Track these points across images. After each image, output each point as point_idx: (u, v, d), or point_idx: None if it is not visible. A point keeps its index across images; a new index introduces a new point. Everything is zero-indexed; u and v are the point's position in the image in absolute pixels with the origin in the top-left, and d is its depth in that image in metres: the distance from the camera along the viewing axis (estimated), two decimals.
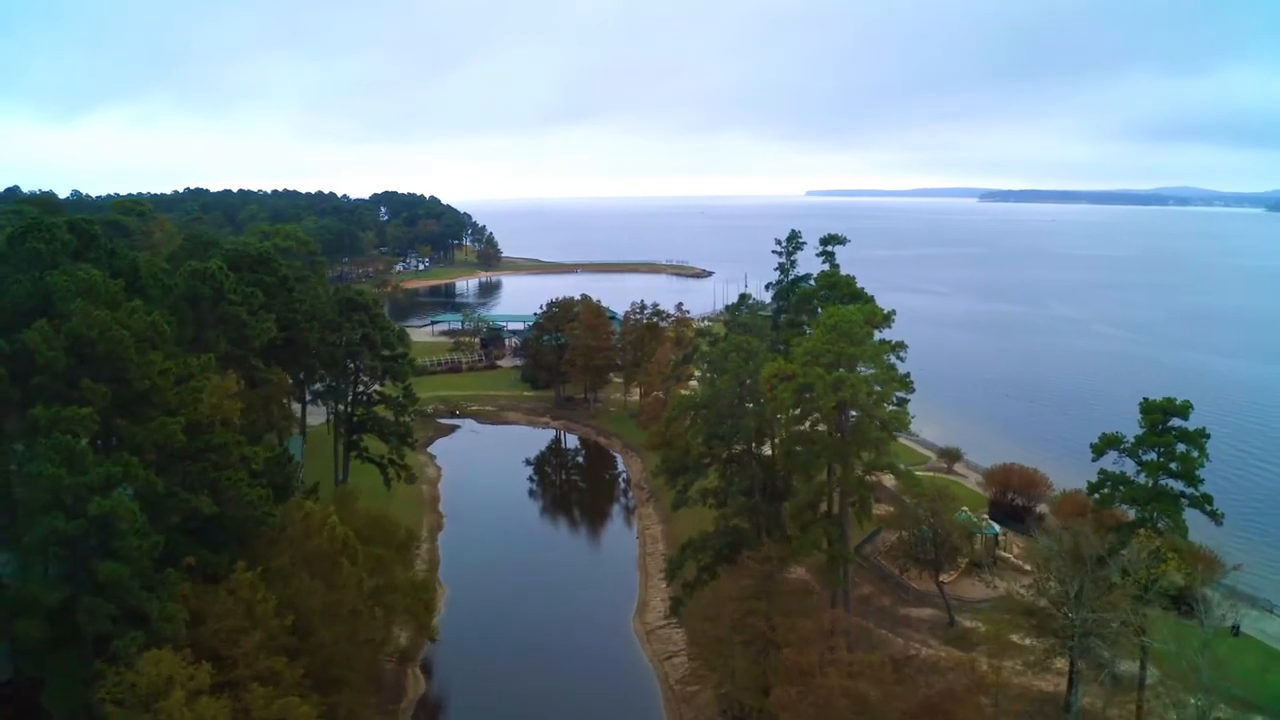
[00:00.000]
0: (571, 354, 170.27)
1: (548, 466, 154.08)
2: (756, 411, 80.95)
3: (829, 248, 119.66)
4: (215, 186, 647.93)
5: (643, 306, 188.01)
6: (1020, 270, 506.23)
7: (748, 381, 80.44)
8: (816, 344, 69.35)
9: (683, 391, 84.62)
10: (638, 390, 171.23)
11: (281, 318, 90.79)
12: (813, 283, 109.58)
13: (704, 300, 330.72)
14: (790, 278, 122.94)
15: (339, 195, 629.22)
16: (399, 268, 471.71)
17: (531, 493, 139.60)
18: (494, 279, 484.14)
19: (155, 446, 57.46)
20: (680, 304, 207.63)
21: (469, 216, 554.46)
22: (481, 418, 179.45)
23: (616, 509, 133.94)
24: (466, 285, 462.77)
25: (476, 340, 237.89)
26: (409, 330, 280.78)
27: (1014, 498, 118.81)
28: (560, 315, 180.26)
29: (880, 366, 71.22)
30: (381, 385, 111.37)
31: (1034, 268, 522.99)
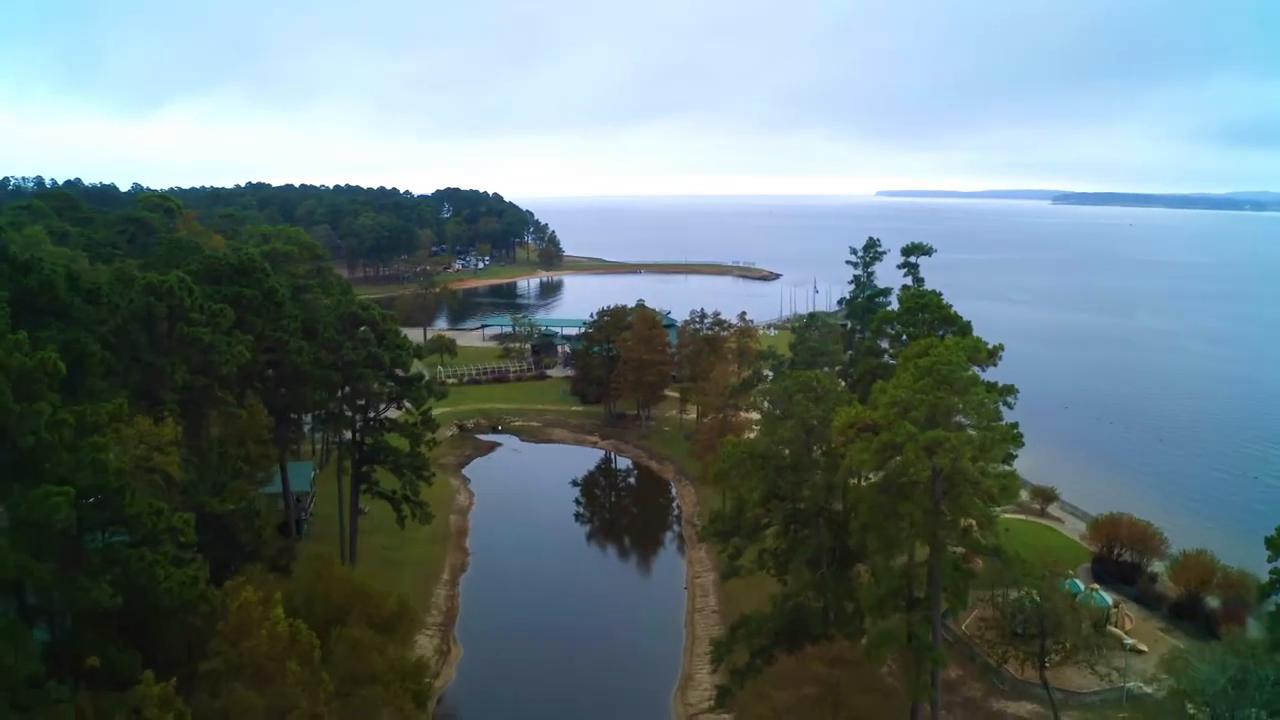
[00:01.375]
0: (622, 368, 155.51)
1: (592, 494, 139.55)
2: (827, 464, 65.64)
3: (912, 258, 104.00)
4: (284, 181, 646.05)
5: (702, 316, 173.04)
6: (1102, 277, 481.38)
7: (815, 425, 65.22)
8: (906, 392, 53.88)
9: (735, 439, 69.50)
10: (694, 409, 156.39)
11: (265, 337, 77.57)
12: (894, 300, 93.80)
13: (770, 305, 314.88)
14: (866, 292, 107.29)
15: (401, 191, 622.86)
16: (457, 266, 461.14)
17: (571, 526, 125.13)
18: (555, 279, 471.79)
19: (37, 523, 43.90)
20: (743, 313, 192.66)
21: (531, 214, 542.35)
22: (524, 435, 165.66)
23: (665, 550, 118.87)
24: (528, 285, 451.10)
25: (527, 347, 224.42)
26: (458, 334, 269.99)
27: (1121, 553, 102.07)
28: (611, 324, 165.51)
29: (986, 418, 55.42)
30: (400, 409, 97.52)
31: (1116, 275, 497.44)
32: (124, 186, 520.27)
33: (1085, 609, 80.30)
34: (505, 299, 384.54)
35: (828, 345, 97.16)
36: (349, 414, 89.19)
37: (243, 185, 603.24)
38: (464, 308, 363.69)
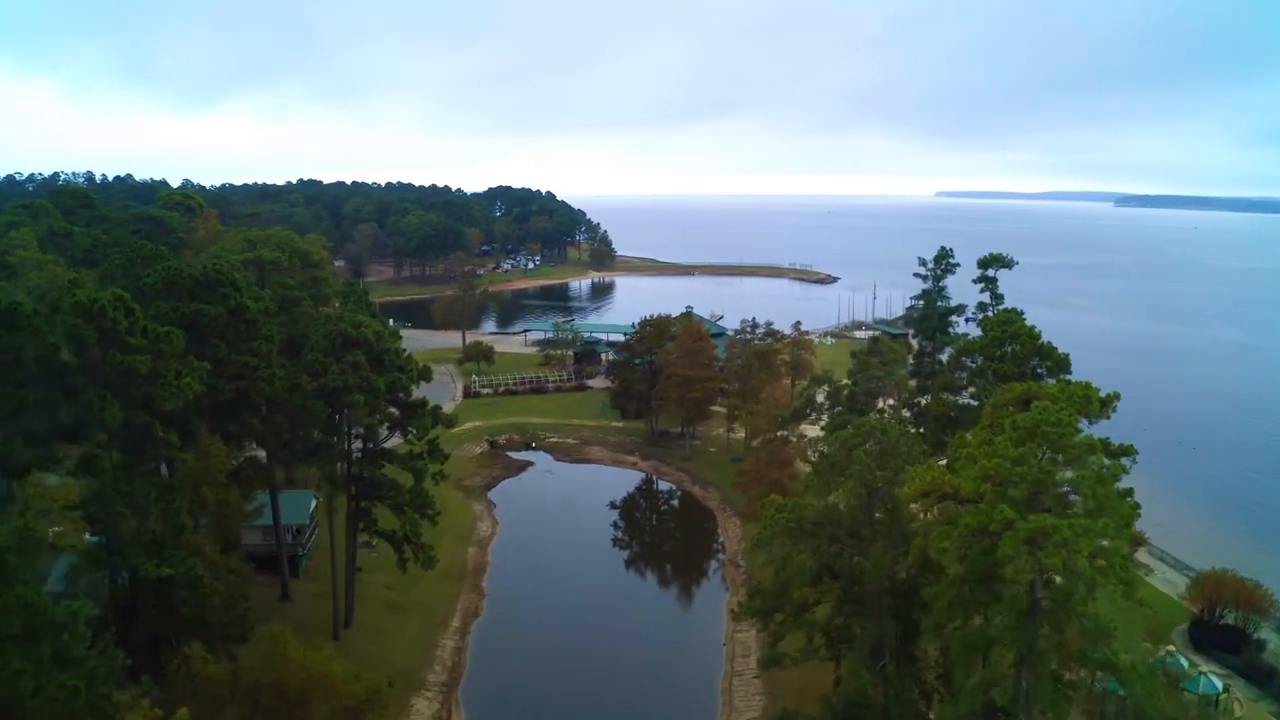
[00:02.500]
0: (665, 383, 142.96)
1: (627, 525, 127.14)
2: (890, 530, 53.00)
3: (990, 271, 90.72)
4: (341, 177, 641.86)
5: (753, 325, 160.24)
6: (1170, 283, 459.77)
7: (881, 487, 52.63)
8: (1003, 461, 41.11)
9: (778, 500, 56.97)
10: (742, 428, 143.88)
11: (229, 362, 66.54)
12: (973, 324, 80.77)
13: (828, 311, 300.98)
14: (938, 309, 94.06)
15: (453, 189, 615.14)
16: (506, 266, 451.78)
17: (600, 563, 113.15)
18: (606, 279, 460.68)
19: None
20: (798, 323, 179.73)
21: (583, 213, 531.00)
22: (559, 453, 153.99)
23: (703, 595, 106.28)
24: (579, 286, 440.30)
25: (569, 354, 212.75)
26: (500, 339, 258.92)
27: (1223, 615, 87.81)
28: (654, 336, 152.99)
29: (1104, 499, 42.44)
30: (406, 438, 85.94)
31: (1184, 280, 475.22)
32: (175, 182, 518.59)
33: (1195, 699, 66.90)
34: (556, 301, 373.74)
35: (894, 373, 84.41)
36: (340, 445, 77.83)
37: (294, 182, 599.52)
38: (512, 309, 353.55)
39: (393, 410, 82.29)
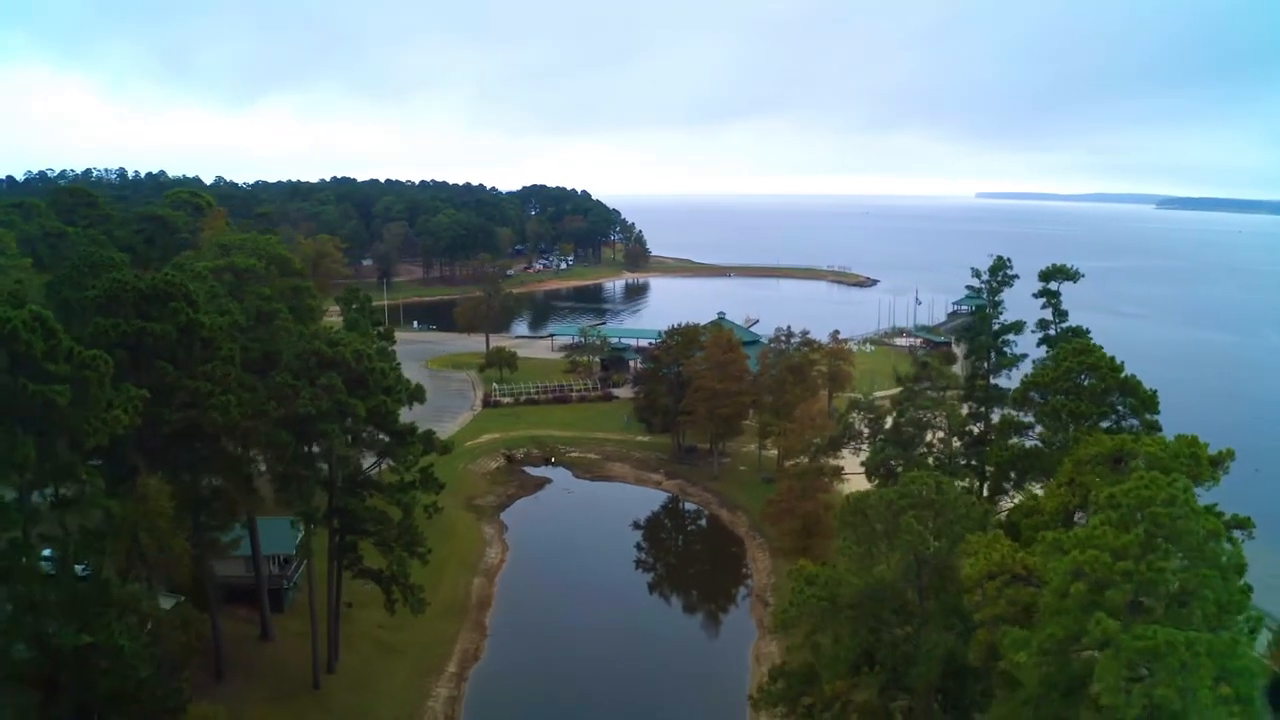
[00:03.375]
0: (692, 397, 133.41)
1: (647, 553, 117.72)
2: (950, 613, 43.54)
3: (1052, 284, 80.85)
4: (376, 175, 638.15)
5: (789, 334, 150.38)
6: (1218, 287, 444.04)
7: (933, 560, 43.18)
8: (1098, 555, 31.59)
9: (807, 566, 47.53)
10: (773, 446, 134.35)
11: (178, 388, 58.01)
12: (1043, 358, 70.79)
13: (867, 316, 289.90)
14: (994, 327, 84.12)
15: (487, 188, 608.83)
16: (539, 266, 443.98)
17: (616, 596, 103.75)
18: (640, 280, 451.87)
19: None
20: (836, 332, 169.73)
21: (618, 213, 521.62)
22: (580, 469, 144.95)
23: (728, 633, 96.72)
24: (613, 287, 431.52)
25: (596, 361, 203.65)
26: (526, 343, 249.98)
27: None
28: (681, 345, 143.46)
29: (1228, 595, 32.76)
30: (394, 468, 77.06)
31: (1232, 285, 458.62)
32: (209, 180, 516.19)
33: None
34: (588, 302, 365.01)
35: (944, 402, 74.65)
36: (315, 477, 69.24)
37: (328, 179, 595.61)
38: (544, 310, 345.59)
39: (380, 437, 73.68)
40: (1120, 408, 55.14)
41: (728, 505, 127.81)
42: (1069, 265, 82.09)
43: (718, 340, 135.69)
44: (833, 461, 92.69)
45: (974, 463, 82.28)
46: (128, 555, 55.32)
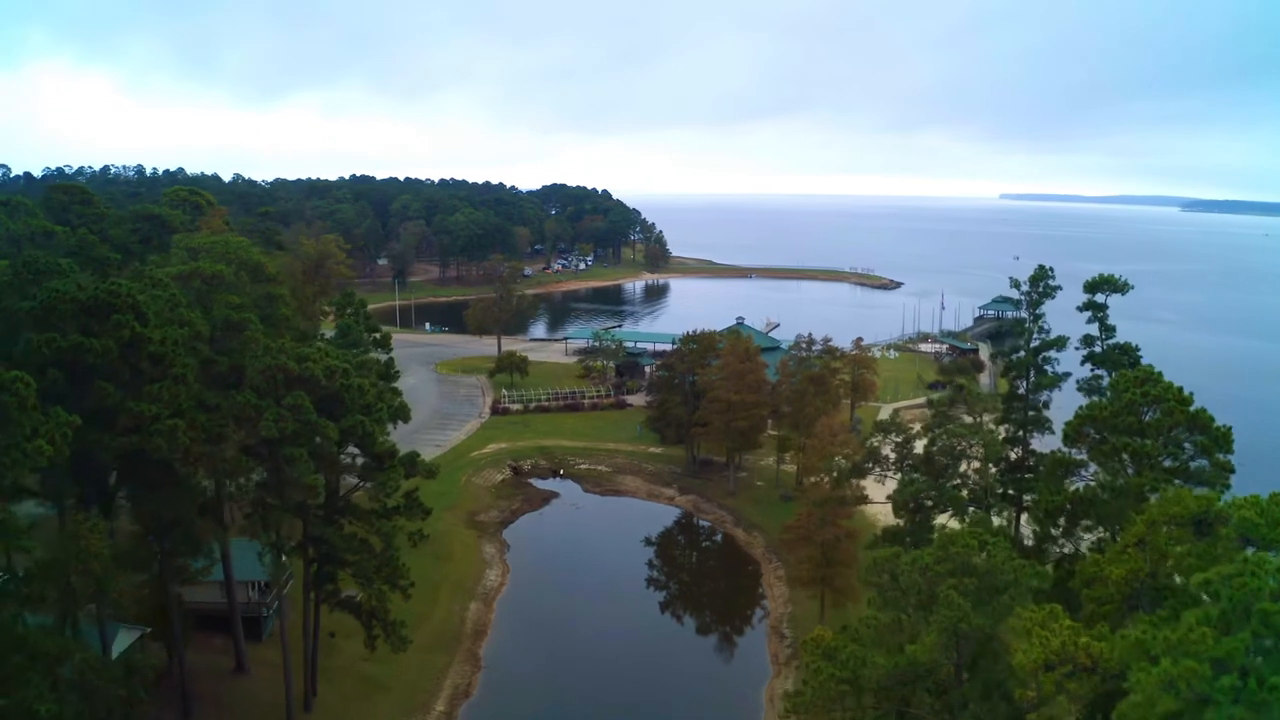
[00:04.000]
0: (707, 408, 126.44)
1: (657, 576, 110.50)
2: (993, 696, 36.61)
3: (1098, 296, 73.67)
4: (400, 174, 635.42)
5: (810, 341, 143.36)
6: (1248, 293, 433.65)
7: (976, 636, 36.26)
8: (1195, 668, 24.66)
9: (829, 638, 40.73)
10: (793, 460, 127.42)
11: (120, 410, 51.77)
12: (1087, 378, 63.60)
13: (891, 319, 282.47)
14: (1034, 342, 76.93)
15: (507, 187, 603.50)
16: (557, 266, 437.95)
17: (621, 622, 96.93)
18: (660, 281, 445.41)
19: None
20: (859, 339, 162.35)
21: (638, 213, 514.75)
22: (589, 482, 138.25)
23: (741, 668, 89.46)
24: (633, 288, 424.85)
25: (610, 366, 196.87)
26: (541, 346, 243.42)
27: None
28: (696, 353, 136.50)
29: None
30: (373, 494, 70.45)
31: (1262, 290, 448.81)
32: (227, 177, 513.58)
33: None
34: (607, 304, 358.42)
35: (981, 430, 67.48)
36: (282, 505, 62.87)
37: (346, 178, 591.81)
38: (562, 312, 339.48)
39: (359, 459, 67.27)
40: (1187, 445, 48.19)
41: (743, 524, 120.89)
42: (1117, 275, 74.93)
43: (735, 348, 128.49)
44: (856, 489, 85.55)
45: (1011, 491, 75.26)
46: (68, 596, 49.04)
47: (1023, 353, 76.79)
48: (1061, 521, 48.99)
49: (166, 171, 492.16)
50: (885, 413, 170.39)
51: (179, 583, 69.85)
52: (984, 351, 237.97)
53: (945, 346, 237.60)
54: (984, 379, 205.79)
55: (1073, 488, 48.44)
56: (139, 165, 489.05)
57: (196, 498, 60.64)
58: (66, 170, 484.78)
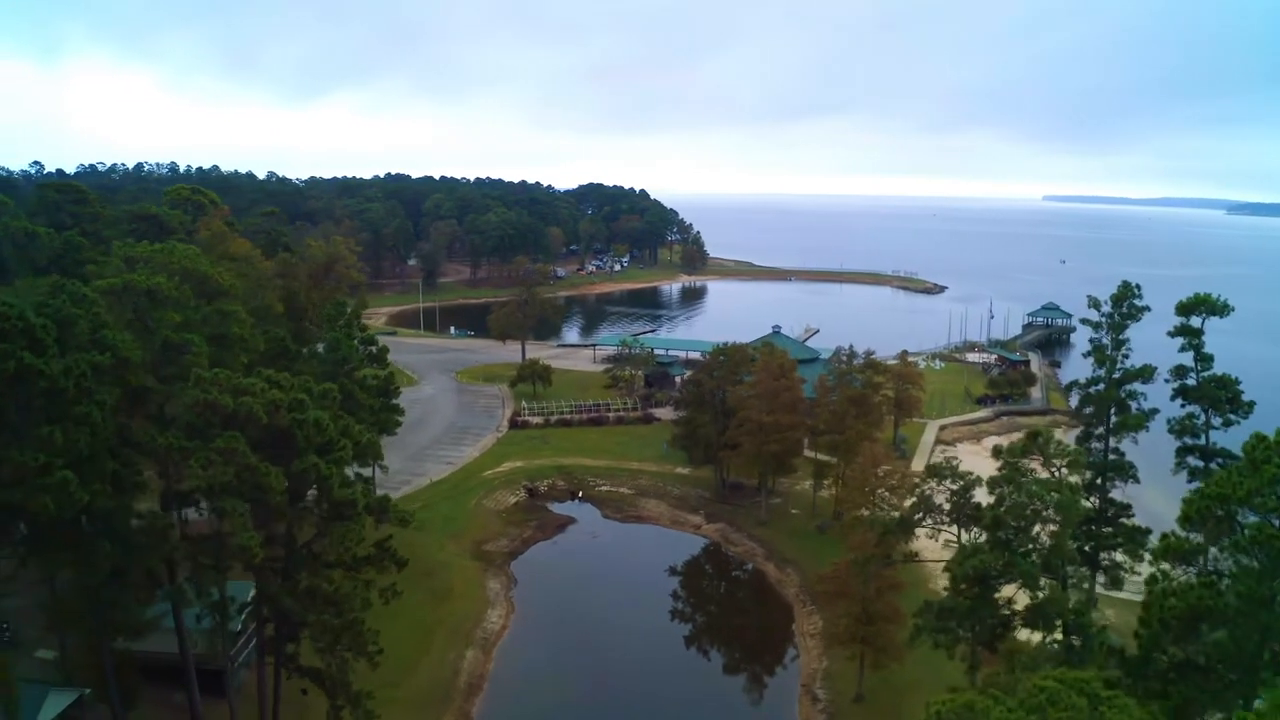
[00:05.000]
0: (737, 430, 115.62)
1: (678, 618, 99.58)
2: None
3: (1193, 319, 62.30)
4: (439, 173, 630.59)
5: (850, 355, 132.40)
6: None
7: None
8: None
9: None
10: (831, 487, 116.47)
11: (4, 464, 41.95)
12: (1192, 426, 52.24)
13: (935, 326, 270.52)
14: (1116, 373, 65.54)
15: (543, 186, 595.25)
16: (591, 268, 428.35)
17: (634, 673, 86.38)
18: (697, 283, 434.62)
19: None
20: (904, 352, 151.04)
21: (675, 213, 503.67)
22: (609, 506, 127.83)
23: None
24: (669, 290, 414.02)
25: (639, 375, 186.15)
26: (568, 352, 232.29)
27: None
28: (727, 368, 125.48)
29: None
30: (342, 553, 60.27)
31: None
32: (261, 175, 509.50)
33: None
34: (643, 307, 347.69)
35: (1063, 492, 56.14)
36: (221, 562, 52.98)
37: (381, 176, 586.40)
38: (596, 315, 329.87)
39: (319, 508, 57.24)
40: None
41: (775, 559, 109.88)
42: (1215, 296, 63.57)
43: (769, 365, 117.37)
44: (901, 544, 74.22)
45: (1086, 548, 63.92)
46: None
47: (1103, 385, 65.41)
48: (1172, 627, 38.07)
49: (199, 169, 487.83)
50: (930, 431, 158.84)
51: (121, 637, 60.51)
52: (1034, 362, 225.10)
53: (994, 357, 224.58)
54: (1034, 393, 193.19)
55: (1191, 587, 37.49)
56: (172, 163, 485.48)
57: (104, 563, 50.66)
58: (99, 167, 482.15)
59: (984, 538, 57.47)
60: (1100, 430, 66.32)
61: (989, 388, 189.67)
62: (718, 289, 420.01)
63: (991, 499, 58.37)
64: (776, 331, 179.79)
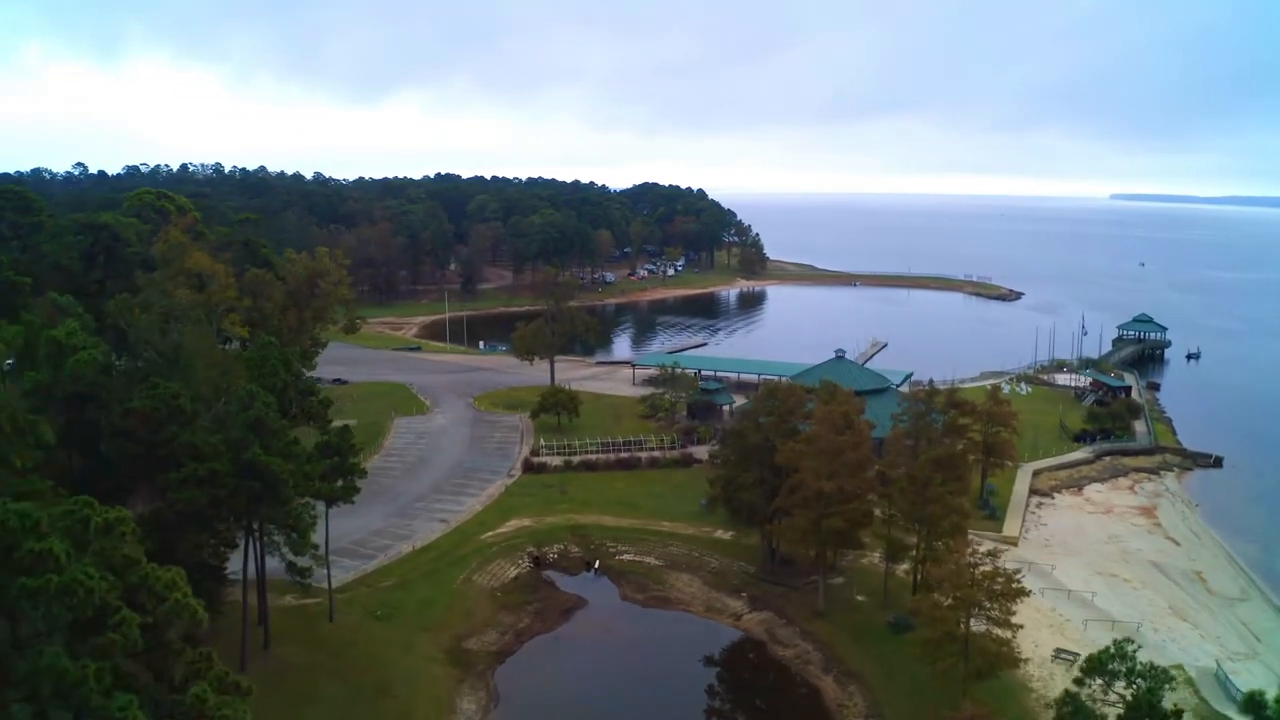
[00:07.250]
0: (789, 498, 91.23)
1: None
2: None
3: None
4: (495, 172, 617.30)
5: (931, 391, 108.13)
6: None
7: None
8: None
9: None
10: (910, 568, 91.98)
11: None
12: None
13: (1014, 338, 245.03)
14: None
15: (597, 185, 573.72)
16: (643, 272, 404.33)
17: None
18: (756, 289, 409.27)
19: None
20: (996, 387, 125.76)
21: (733, 214, 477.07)
22: (630, 583, 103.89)
23: None
24: (726, 296, 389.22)
25: (681, 403, 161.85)
26: (600, 371, 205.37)
27: None
28: (777, 418, 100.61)
29: None
30: None
31: None
32: (308, 175, 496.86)
33: None
34: (697, 316, 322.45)
35: None
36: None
37: (430, 176, 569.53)
38: (645, 324, 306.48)
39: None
40: None
41: (835, 668, 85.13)
42: None
43: (830, 416, 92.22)
44: None
45: None
46: None
47: None
48: None
49: (243, 170, 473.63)
50: (1023, 479, 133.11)
51: None
52: (1134, 386, 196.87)
53: (1089, 381, 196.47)
54: (1138, 426, 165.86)
55: None
56: (217, 163, 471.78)
57: None
58: (142, 169, 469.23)
59: None
60: None
61: (1087, 421, 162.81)
62: (777, 295, 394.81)
63: None
64: (840, 357, 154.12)
